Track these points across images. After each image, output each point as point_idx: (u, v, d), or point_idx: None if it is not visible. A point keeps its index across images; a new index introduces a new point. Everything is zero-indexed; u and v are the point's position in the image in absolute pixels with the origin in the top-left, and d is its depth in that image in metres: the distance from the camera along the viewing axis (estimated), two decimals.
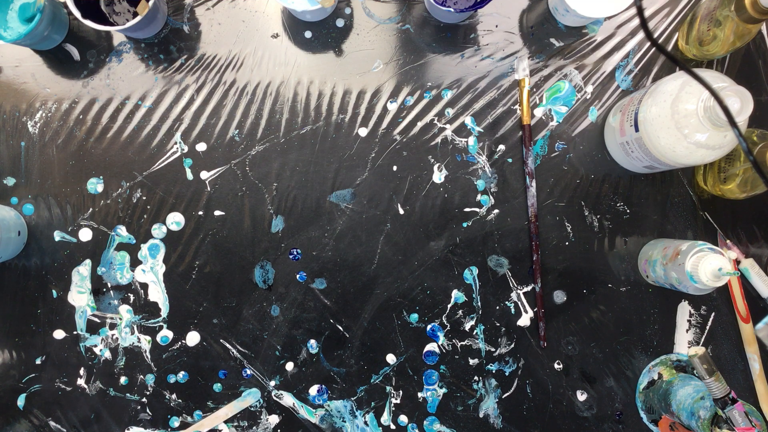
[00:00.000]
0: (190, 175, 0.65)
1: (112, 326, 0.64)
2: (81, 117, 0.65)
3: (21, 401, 0.64)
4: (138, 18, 0.59)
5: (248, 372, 0.64)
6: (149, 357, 0.64)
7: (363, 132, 0.65)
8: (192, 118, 0.65)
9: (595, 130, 0.65)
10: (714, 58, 0.63)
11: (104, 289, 0.64)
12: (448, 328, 0.64)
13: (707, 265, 0.53)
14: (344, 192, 0.65)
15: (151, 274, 0.64)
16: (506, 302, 0.64)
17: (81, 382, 0.64)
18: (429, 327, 0.64)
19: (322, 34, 0.65)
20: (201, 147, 0.65)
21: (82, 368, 0.64)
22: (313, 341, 0.64)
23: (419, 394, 0.64)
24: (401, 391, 0.64)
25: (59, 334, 0.64)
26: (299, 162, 0.65)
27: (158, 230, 0.65)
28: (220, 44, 0.66)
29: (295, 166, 0.65)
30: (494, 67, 0.65)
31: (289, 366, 0.64)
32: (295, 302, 0.64)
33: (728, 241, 0.63)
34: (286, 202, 0.65)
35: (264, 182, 0.65)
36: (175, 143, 0.65)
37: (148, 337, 0.64)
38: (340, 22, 0.65)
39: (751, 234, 0.64)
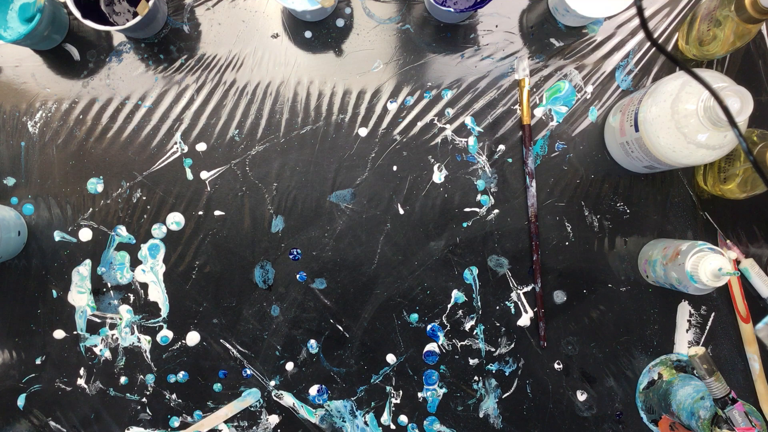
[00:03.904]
0: (190, 175, 0.65)
1: (112, 326, 0.64)
2: (81, 117, 0.65)
3: (21, 401, 0.64)
4: (138, 18, 0.59)
5: (248, 372, 0.64)
6: (149, 357, 0.64)
7: (363, 132, 0.65)
8: (192, 118, 0.65)
9: (595, 130, 0.65)
10: (714, 58, 0.63)
11: (104, 289, 0.64)
12: (448, 328, 0.64)
13: (707, 265, 0.53)
14: (344, 192, 0.65)
15: (151, 274, 0.64)
16: (506, 302, 0.64)
17: (81, 382, 0.64)
18: (429, 327, 0.64)
19: (322, 34, 0.65)
20: (201, 147, 0.65)
21: (82, 368, 0.64)
22: (313, 341, 0.64)
23: (419, 394, 0.64)
24: (401, 391, 0.64)
25: (59, 334, 0.64)
26: (299, 162, 0.65)
27: (158, 230, 0.65)
28: (220, 44, 0.66)
29: (295, 166, 0.65)
30: (494, 67, 0.65)
31: (289, 366, 0.64)
32: (295, 302, 0.64)
33: (728, 241, 0.63)
34: (286, 202, 0.65)
35: (264, 182, 0.65)
36: (175, 143, 0.65)
37: (148, 337, 0.64)
38: (340, 22, 0.65)
39: (751, 234, 0.64)
